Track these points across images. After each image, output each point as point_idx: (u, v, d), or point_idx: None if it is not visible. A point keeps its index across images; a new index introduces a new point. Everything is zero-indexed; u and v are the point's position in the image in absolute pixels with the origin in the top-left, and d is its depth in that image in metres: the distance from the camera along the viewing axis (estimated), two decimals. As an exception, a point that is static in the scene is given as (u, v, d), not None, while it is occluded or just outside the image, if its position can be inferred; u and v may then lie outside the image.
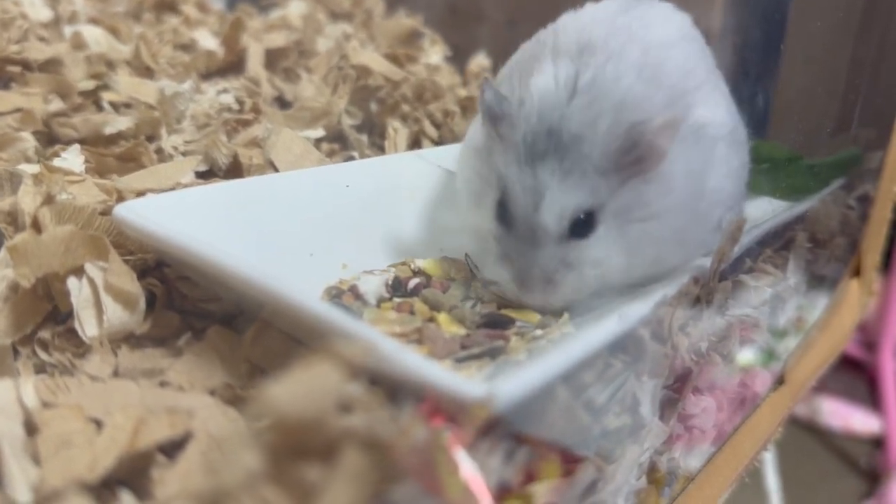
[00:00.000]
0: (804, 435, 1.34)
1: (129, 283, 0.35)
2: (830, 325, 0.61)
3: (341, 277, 0.41)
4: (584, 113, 0.37)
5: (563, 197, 0.37)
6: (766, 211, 0.49)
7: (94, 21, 0.64)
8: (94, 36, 0.61)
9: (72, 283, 0.34)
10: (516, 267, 0.38)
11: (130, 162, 0.47)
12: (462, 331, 0.37)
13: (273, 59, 0.66)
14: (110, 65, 0.58)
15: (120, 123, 0.49)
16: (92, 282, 0.34)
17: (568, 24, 0.43)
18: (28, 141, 0.46)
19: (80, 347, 0.34)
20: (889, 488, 1.21)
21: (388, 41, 0.76)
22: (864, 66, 0.59)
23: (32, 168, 0.42)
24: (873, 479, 1.26)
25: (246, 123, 0.53)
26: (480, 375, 0.32)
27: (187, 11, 0.72)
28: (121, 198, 0.41)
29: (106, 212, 0.37)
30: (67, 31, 0.61)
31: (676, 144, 0.37)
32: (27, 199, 0.38)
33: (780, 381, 0.52)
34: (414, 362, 0.27)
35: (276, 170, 0.48)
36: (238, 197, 0.42)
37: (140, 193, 0.42)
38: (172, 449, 0.28)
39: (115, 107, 0.52)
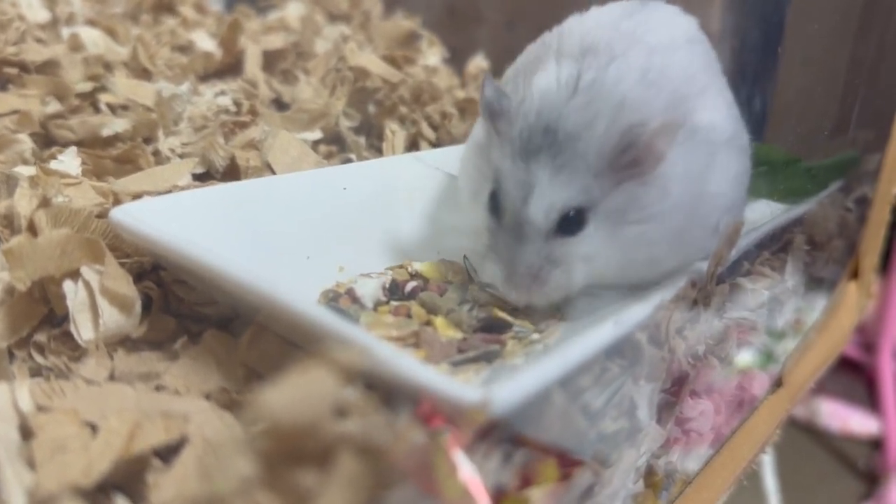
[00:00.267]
0: (803, 436, 1.34)
1: (125, 286, 0.35)
2: (829, 327, 0.61)
3: (338, 280, 0.41)
4: (582, 112, 0.37)
5: (553, 192, 0.37)
6: (764, 213, 0.48)
7: (91, 22, 0.64)
8: (92, 37, 0.61)
9: (68, 286, 0.34)
10: (503, 261, 0.38)
11: (127, 164, 0.47)
12: (459, 335, 0.37)
13: (271, 60, 0.66)
14: (108, 66, 0.57)
15: (117, 125, 0.49)
16: (88, 285, 0.34)
17: (573, 26, 0.43)
18: (25, 143, 0.46)
19: (76, 351, 0.33)
20: (888, 490, 1.21)
21: (386, 43, 0.76)
22: (862, 68, 0.59)
23: (29, 170, 0.42)
24: (872, 480, 1.26)
25: (243, 125, 0.53)
26: (477, 380, 0.32)
27: (185, 13, 0.72)
28: (117, 200, 0.41)
29: (102, 215, 0.37)
30: (65, 32, 0.61)
31: (675, 148, 0.37)
32: (23, 202, 0.38)
33: (778, 383, 0.52)
34: (410, 366, 0.27)
35: (274, 172, 0.48)
36: (235, 199, 0.42)
37: (137, 196, 0.42)
38: (168, 453, 0.28)
39: (113, 109, 0.52)
